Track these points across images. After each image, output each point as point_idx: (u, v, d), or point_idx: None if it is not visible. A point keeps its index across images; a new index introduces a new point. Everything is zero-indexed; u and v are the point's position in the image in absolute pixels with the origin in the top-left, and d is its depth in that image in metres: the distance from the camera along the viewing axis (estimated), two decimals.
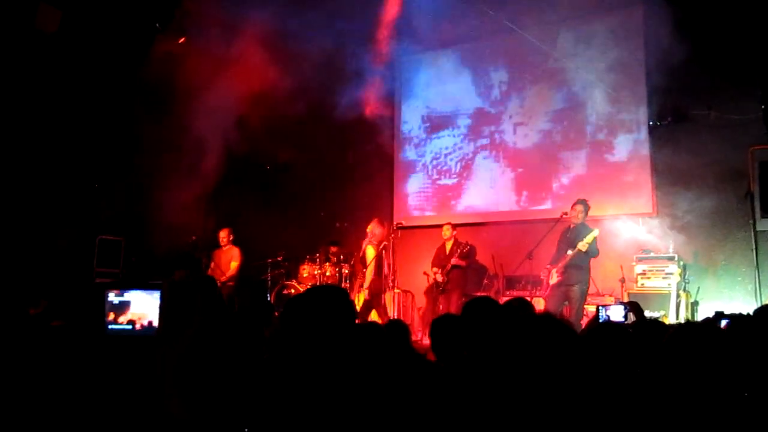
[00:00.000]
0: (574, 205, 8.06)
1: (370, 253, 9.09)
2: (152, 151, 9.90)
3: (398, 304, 9.73)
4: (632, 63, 9.54)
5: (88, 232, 10.02)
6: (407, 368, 2.32)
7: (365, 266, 9.16)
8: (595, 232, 7.65)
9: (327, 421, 2.00)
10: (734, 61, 8.37)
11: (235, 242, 10.02)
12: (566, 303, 7.75)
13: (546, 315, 3.77)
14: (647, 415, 2.06)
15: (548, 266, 8.03)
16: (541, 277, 8.17)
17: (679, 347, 2.10)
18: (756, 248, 8.40)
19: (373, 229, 9.30)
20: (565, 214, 8.25)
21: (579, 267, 7.67)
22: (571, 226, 8.00)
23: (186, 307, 2.83)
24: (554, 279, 7.76)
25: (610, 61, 9.61)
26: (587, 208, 8.02)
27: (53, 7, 8.40)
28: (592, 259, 7.81)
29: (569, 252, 7.68)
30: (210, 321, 2.60)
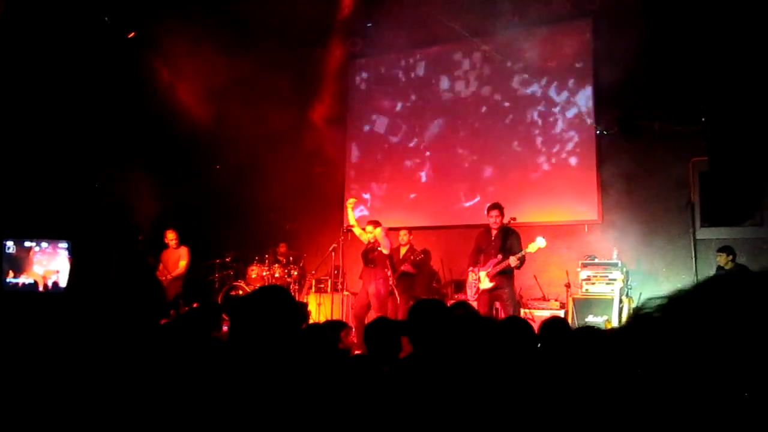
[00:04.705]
0: (490, 210, 7.99)
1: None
2: (97, 147, 9.66)
3: (346, 307, 9.70)
4: (580, 73, 9.76)
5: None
6: (337, 367, 2.30)
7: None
8: (541, 243, 7.56)
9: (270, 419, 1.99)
10: (679, 74, 8.59)
11: (183, 242, 9.84)
12: (497, 304, 7.77)
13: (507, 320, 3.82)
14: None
15: (472, 268, 8.00)
16: (469, 280, 8.09)
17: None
18: (695, 256, 8.67)
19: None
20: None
21: (508, 273, 7.70)
22: (493, 230, 7.94)
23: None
24: (485, 284, 7.72)
25: (557, 71, 9.83)
26: (503, 210, 7.96)
27: None
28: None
29: (500, 257, 7.65)
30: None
